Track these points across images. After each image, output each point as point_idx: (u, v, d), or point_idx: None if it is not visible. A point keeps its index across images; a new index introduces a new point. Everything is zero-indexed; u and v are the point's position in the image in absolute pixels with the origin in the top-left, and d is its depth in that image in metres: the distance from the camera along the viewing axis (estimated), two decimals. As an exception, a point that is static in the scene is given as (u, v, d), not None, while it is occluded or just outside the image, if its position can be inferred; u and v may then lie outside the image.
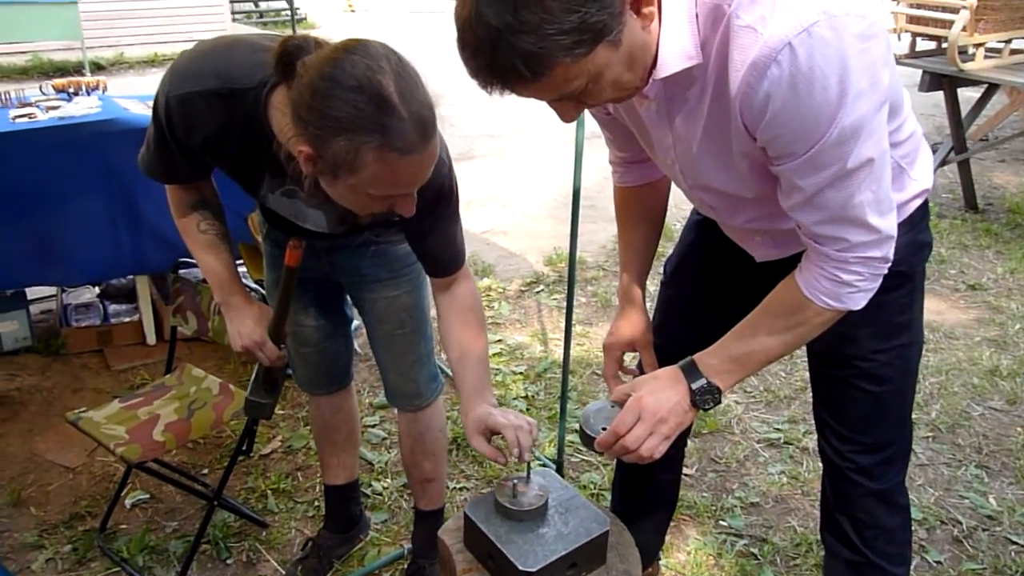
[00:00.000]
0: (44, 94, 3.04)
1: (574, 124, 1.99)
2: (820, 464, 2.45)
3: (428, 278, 1.66)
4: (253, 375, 1.68)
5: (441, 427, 2.00)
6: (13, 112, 2.78)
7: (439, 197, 1.45)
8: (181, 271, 2.28)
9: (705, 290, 1.58)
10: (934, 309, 3.51)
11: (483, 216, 4.82)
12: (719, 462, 2.55)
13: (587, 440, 1.31)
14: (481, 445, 1.34)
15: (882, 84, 0.99)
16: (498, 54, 0.91)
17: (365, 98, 1.10)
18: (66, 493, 2.42)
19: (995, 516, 2.30)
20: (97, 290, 3.35)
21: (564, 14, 0.88)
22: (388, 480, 2.47)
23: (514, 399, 2.86)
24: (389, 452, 2.59)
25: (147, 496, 2.41)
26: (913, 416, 2.35)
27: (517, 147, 6.37)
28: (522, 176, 5.64)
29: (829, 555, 1.59)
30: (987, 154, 5.99)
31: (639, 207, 1.54)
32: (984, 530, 2.25)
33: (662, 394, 1.22)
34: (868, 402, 1.40)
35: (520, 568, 1.20)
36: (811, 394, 2.78)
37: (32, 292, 3.23)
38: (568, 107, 1.06)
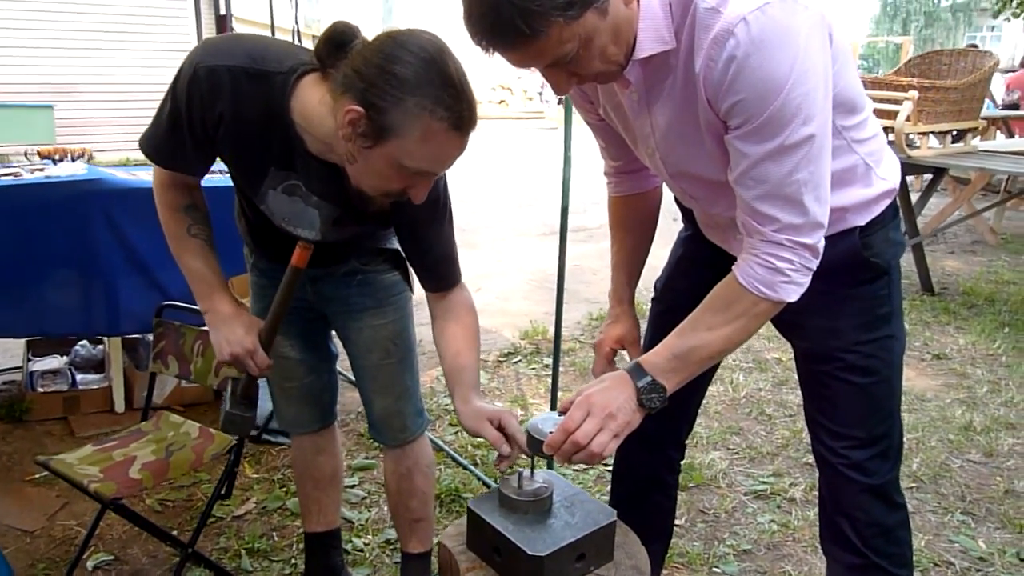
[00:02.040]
0: (29, 160, 3.07)
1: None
2: (810, 514, 2.45)
3: (413, 307, 1.68)
4: (228, 390, 1.60)
5: (428, 463, 1.95)
6: (-3, 172, 2.80)
7: (435, 206, 1.48)
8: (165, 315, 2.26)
9: (694, 304, 1.62)
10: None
11: (457, 299, 4.86)
12: (708, 513, 2.51)
13: (535, 444, 1.27)
14: (489, 431, 1.37)
15: (822, 69, 1.10)
16: (502, 13, 1.01)
17: (433, 68, 1.16)
18: (23, 556, 2.27)
19: (986, 558, 2.28)
20: (65, 359, 3.26)
21: None
22: (369, 536, 2.37)
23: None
24: (369, 511, 2.50)
25: (111, 558, 2.27)
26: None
27: (487, 239, 6.51)
28: (493, 264, 5.74)
29: (831, 567, 1.56)
30: (937, 246, 6.30)
31: (631, 215, 1.60)
32: (977, 571, 2.22)
33: (610, 392, 1.23)
34: (856, 395, 1.42)
35: (529, 553, 1.17)
36: (794, 450, 2.79)
37: (-3, 362, 3.15)
38: (560, 77, 1.14)
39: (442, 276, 1.57)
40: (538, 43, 1.05)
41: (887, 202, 1.38)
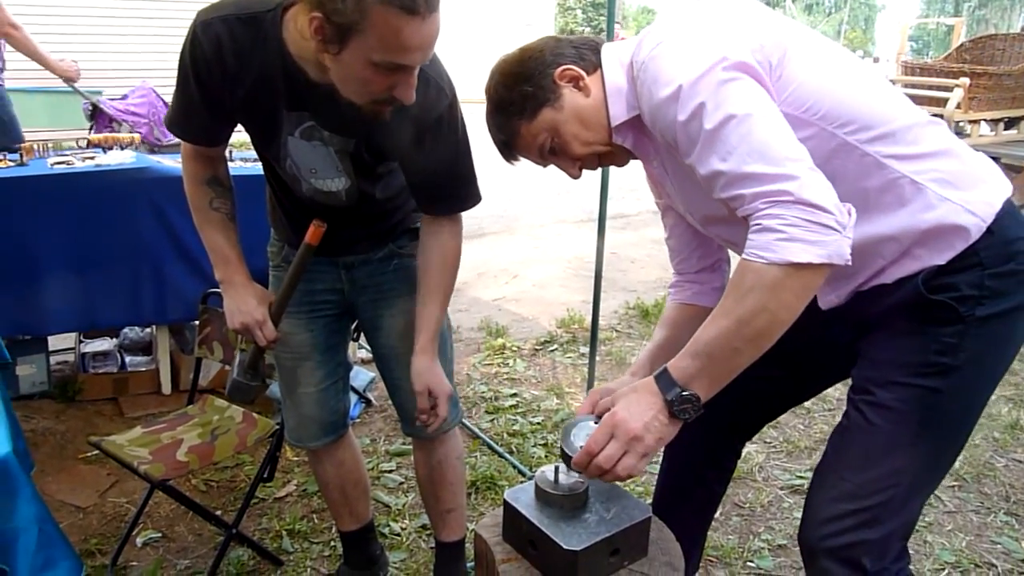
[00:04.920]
0: (80, 147, 3.15)
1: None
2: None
3: None
4: (237, 359, 1.67)
5: (459, 455, 1.97)
6: (51, 160, 2.89)
7: (439, 124, 1.49)
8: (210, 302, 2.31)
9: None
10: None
11: (494, 287, 4.89)
12: (743, 507, 2.50)
13: (565, 458, 1.25)
14: (422, 401, 1.64)
15: (721, 60, 1.13)
16: (492, 132, 1.40)
17: None
18: (76, 531, 2.36)
19: (1030, 560, 2.24)
20: (115, 341, 3.37)
21: (510, 94, 1.34)
22: (406, 521, 2.41)
23: (533, 447, 2.83)
24: (407, 495, 2.55)
25: (159, 535, 2.35)
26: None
27: (525, 226, 6.52)
28: (531, 251, 5.75)
29: None
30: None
31: (678, 318, 1.53)
32: (1020, 573, 2.19)
33: (635, 408, 1.16)
34: (869, 436, 1.27)
35: (564, 547, 1.19)
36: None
37: (52, 343, 3.25)
38: (564, 163, 1.37)
39: (433, 196, 1.60)
40: (519, 142, 1.37)
41: (972, 237, 1.18)
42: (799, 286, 1.06)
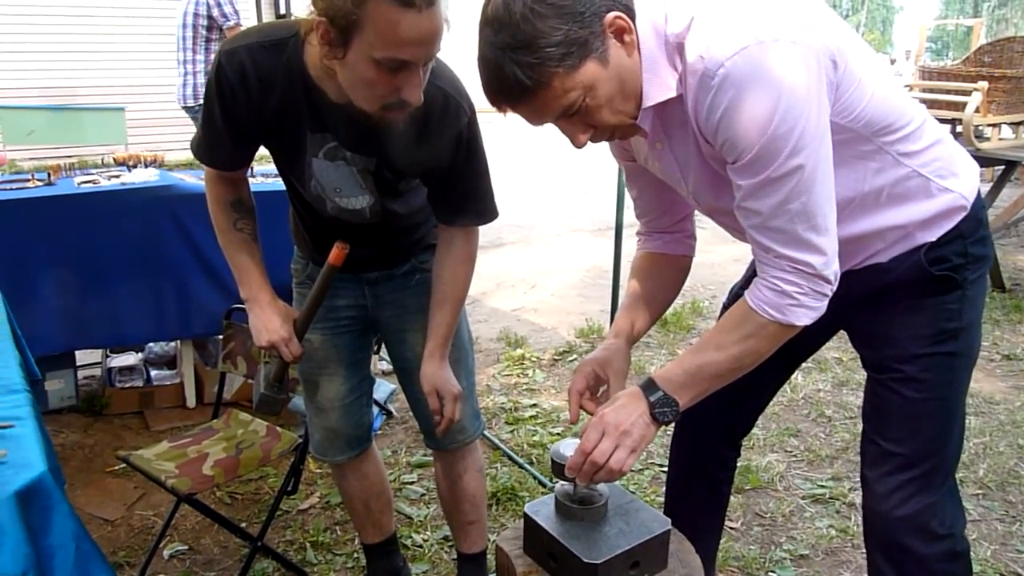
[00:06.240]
0: (106, 166, 3.22)
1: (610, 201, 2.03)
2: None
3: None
4: (262, 373, 1.70)
5: (479, 468, 1.98)
6: (78, 179, 2.95)
7: (458, 141, 1.52)
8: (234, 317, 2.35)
9: None
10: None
11: (513, 296, 4.91)
12: (764, 516, 2.49)
13: (558, 469, 1.30)
14: (433, 402, 1.67)
15: (813, 99, 1.10)
16: (504, 70, 1.08)
17: None
18: (104, 544, 2.40)
19: (1057, 569, 2.22)
20: (140, 355, 3.42)
21: (551, 31, 1.06)
22: (428, 532, 2.43)
23: (552, 457, 2.84)
24: (429, 507, 2.57)
25: (185, 547, 2.39)
26: (960, 474, 2.30)
27: (543, 235, 6.54)
28: (549, 261, 5.77)
29: None
30: (1008, 240, 6.08)
31: (650, 268, 1.55)
32: (1047, 583, 2.17)
33: (623, 410, 1.25)
34: (906, 409, 1.38)
35: (584, 560, 1.20)
36: (854, 453, 2.76)
37: (79, 358, 3.31)
38: (576, 129, 1.18)
39: (449, 210, 1.63)
40: (542, 94, 1.10)
41: (960, 216, 1.32)
42: (787, 336, 1.23)
